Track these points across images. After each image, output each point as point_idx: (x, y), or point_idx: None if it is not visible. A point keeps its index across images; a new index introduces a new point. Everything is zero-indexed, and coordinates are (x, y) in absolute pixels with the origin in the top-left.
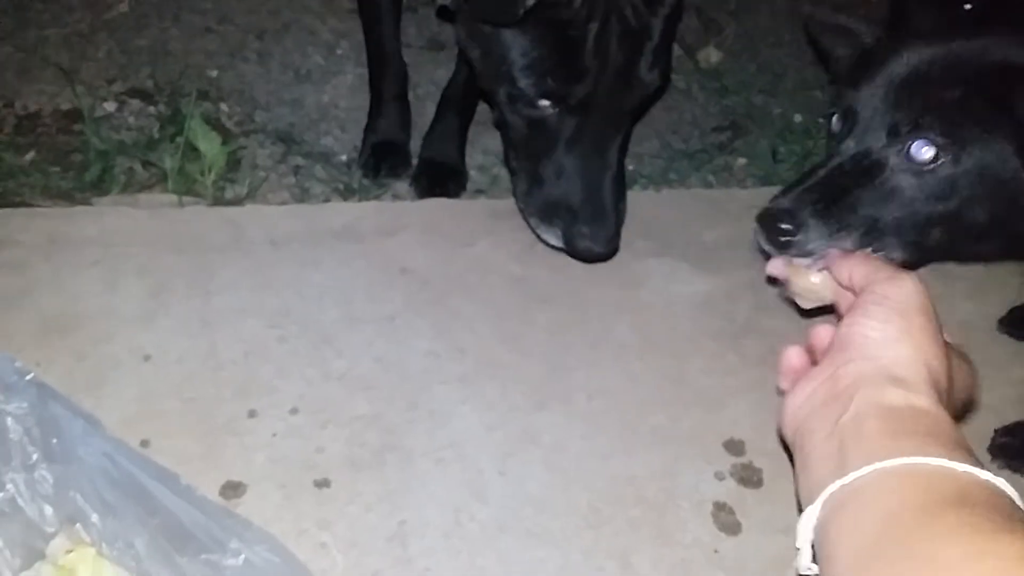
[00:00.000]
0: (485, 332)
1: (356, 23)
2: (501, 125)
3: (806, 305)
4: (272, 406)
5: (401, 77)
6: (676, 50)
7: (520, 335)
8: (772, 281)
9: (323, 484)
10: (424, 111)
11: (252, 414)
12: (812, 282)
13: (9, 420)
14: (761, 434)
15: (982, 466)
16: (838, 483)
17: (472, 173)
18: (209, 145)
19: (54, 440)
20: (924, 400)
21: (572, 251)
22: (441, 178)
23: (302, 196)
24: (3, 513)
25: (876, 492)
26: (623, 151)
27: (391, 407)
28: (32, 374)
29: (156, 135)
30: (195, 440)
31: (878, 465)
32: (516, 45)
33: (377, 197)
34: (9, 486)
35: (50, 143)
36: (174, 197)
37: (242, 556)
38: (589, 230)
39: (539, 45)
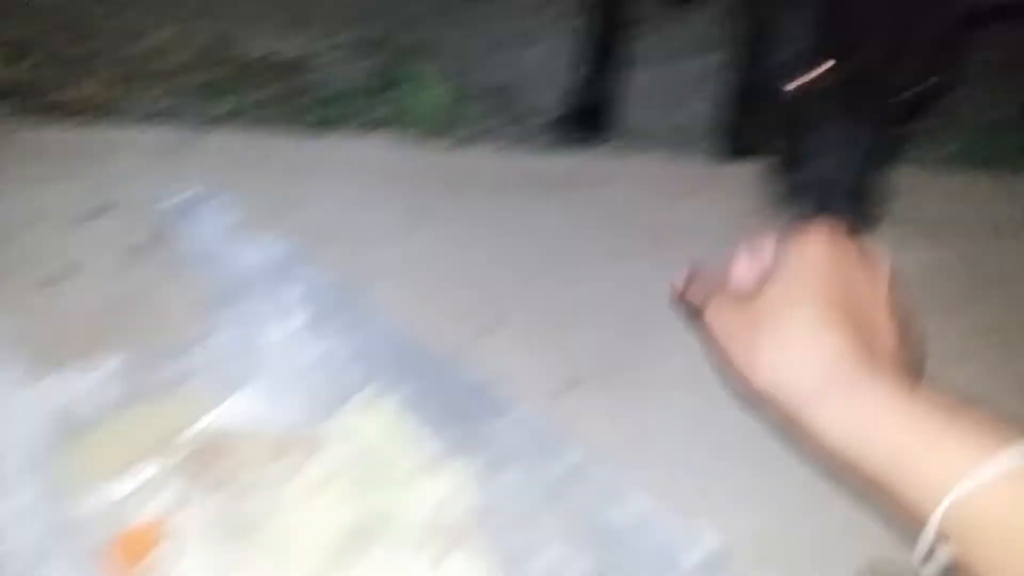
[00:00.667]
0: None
1: None
2: None
3: None
4: (521, 309)
5: (616, 45)
6: None
7: None
8: None
9: (575, 382)
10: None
11: (488, 331)
12: None
13: (322, 291)
14: None
15: None
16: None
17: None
18: (434, 95)
19: (353, 313)
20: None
21: None
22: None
23: (513, 149)
24: (314, 367)
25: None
26: None
27: (619, 336)
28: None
29: (376, 84)
30: (454, 335)
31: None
32: None
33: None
34: (323, 344)
35: (277, 87)
36: (389, 142)
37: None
38: None
39: None
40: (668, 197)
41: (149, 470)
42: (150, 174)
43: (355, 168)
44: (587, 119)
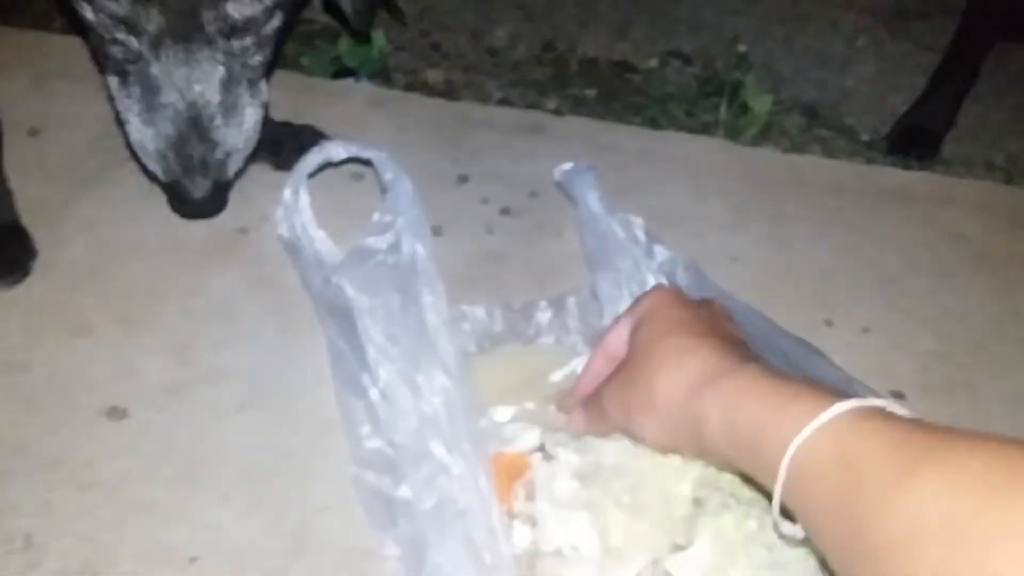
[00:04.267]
0: None
1: (875, 20)
2: None
3: None
4: (846, 320)
5: (967, 79)
6: None
7: None
8: None
9: (898, 396)
10: None
11: (828, 323)
12: None
13: (679, 268)
14: None
15: None
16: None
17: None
18: (760, 103)
19: (700, 289)
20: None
21: None
22: (915, 142)
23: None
24: None
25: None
26: None
27: (958, 348)
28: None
29: (697, 91)
30: None
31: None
32: None
33: None
34: None
35: (608, 85)
36: (720, 142)
37: None
38: None
39: None
40: (1006, 223)
41: (519, 406)
42: (507, 150)
43: (688, 164)
44: (917, 141)
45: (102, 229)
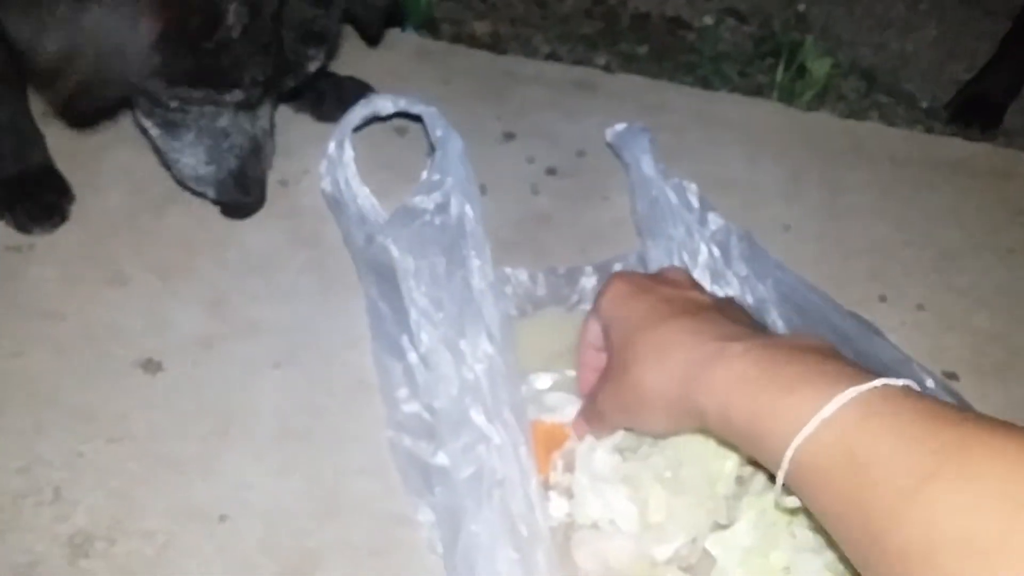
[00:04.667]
0: None
1: None
2: None
3: None
4: (900, 297)
5: None
6: None
7: None
8: None
9: (951, 376)
10: None
11: (883, 299)
12: None
13: (733, 237)
14: None
15: None
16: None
17: None
18: (818, 66)
19: (758, 263)
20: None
21: None
22: (978, 112)
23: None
24: None
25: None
26: None
27: (1013, 330)
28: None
29: (752, 51)
30: None
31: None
32: None
33: None
34: (726, 288)
35: (660, 41)
36: (775, 105)
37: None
38: None
39: None
40: None
41: (560, 374)
42: (554, 107)
43: (742, 127)
44: (980, 111)
45: (138, 177)
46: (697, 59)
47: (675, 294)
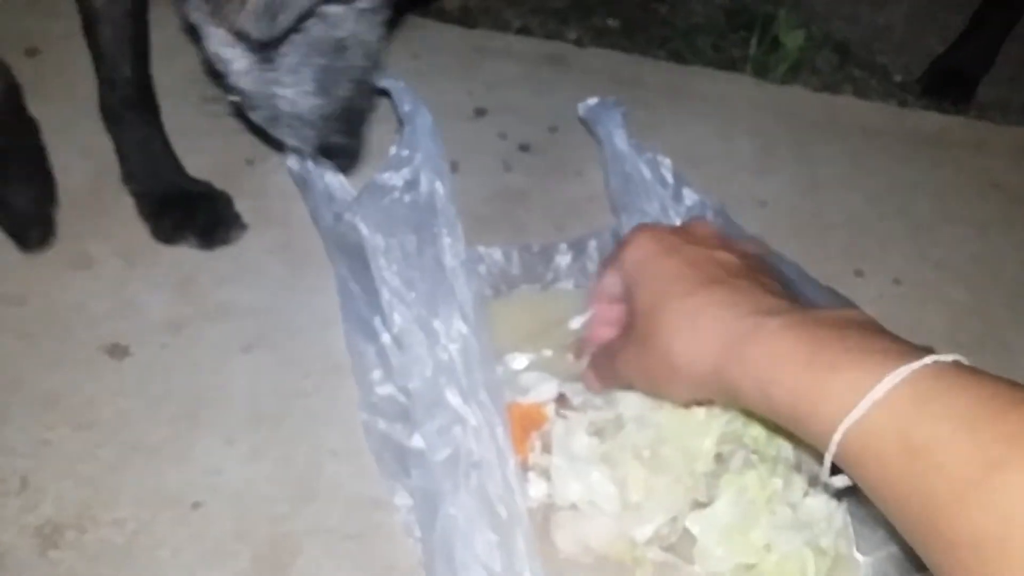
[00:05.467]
0: None
1: None
2: None
3: None
4: (876, 271)
5: (1010, 20)
6: None
7: None
8: None
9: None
10: None
11: (858, 273)
12: None
13: (708, 212)
14: None
15: None
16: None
17: None
18: (791, 39)
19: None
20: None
21: None
22: (951, 85)
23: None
24: None
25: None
26: None
27: (989, 302)
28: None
29: (724, 23)
30: None
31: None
32: None
33: None
34: None
35: (632, 15)
36: (749, 79)
37: None
38: None
39: None
40: None
41: (536, 354)
42: (526, 82)
43: (716, 101)
44: (953, 84)
45: (103, 156)
46: (670, 32)
47: (704, 256)
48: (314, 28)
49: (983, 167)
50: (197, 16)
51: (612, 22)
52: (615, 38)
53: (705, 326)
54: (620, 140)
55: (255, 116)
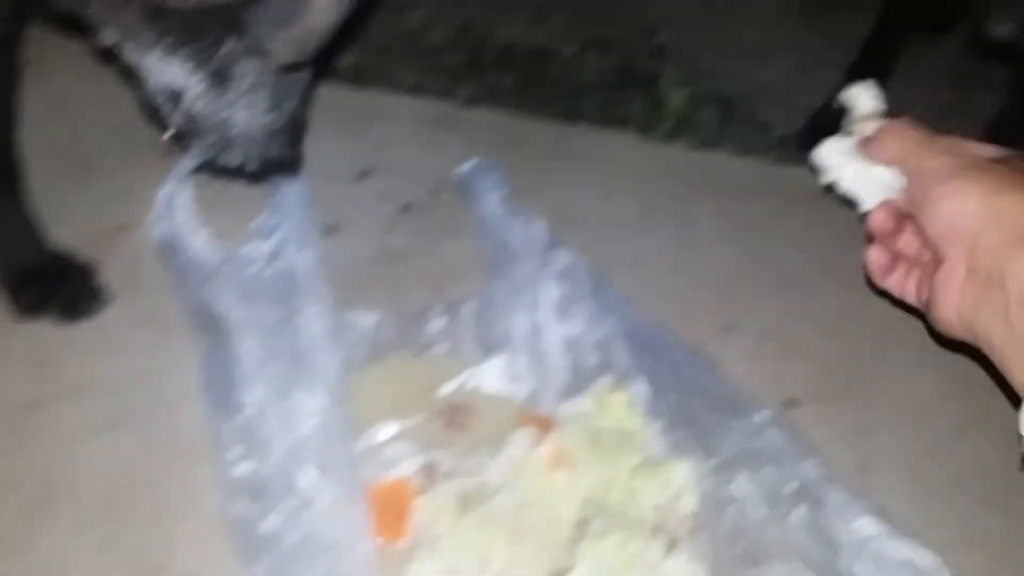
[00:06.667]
0: None
1: (796, 10)
2: None
3: (870, 204)
4: (745, 327)
5: (883, 76)
6: None
7: None
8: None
9: (793, 403)
10: None
11: (728, 329)
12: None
13: (579, 272)
14: None
15: None
16: None
17: None
18: (674, 98)
19: (603, 298)
20: None
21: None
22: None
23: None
24: (560, 347)
25: None
26: None
27: (854, 355)
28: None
29: (614, 82)
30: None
31: None
32: None
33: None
34: (571, 326)
35: (525, 74)
36: (634, 138)
37: (768, 427)
38: None
39: None
40: None
41: (405, 421)
42: (413, 143)
43: (600, 160)
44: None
45: None
46: (560, 90)
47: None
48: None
49: (852, 221)
50: (139, 55)
51: (505, 80)
52: (507, 96)
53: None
54: (493, 203)
55: (201, 144)
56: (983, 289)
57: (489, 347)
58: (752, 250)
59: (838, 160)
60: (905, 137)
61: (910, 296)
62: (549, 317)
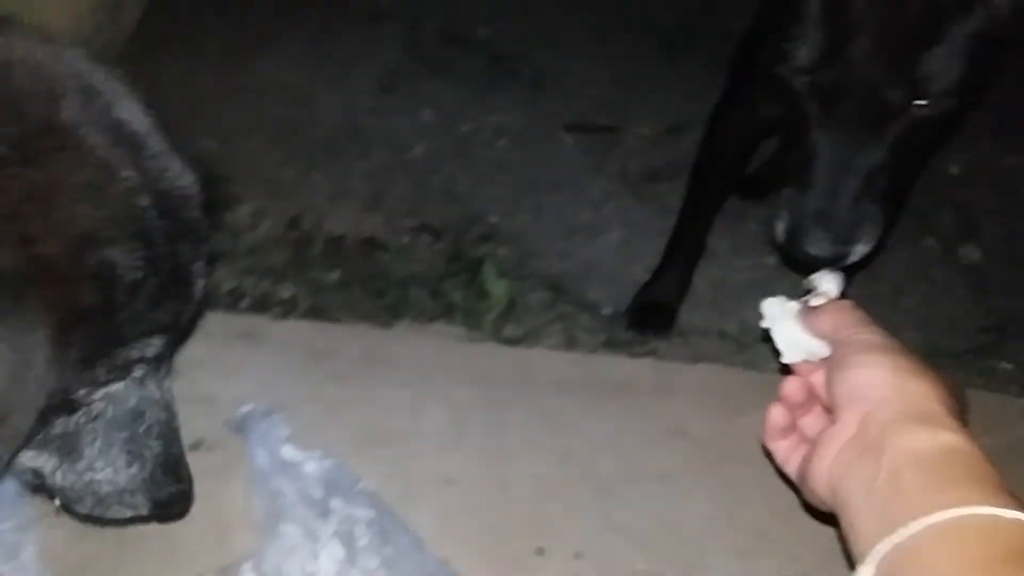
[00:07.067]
0: (760, 506)
1: (622, 186)
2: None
3: (789, 358)
4: (558, 547)
5: (696, 251)
6: (932, 243)
7: (794, 514)
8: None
9: None
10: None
11: (540, 552)
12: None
13: (358, 526)
14: None
15: None
16: (888, 542)
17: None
18: (497, 287)
19: (387, 549)
20: (952, 436)
21: (787, 247)
22: (652, 317)
23: (570, 342)
24: None
25: (931, 555)
26: (890, 171)
27: (670, 568)
28: (363, 483)
29: (443, 270)
30: (490, 569)
31: (927, 521)
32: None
33: (641, 354)
34: None
35: (353, 266)
36: (462, 330)
37: None
38: (808, 226)
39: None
40: (725, 413)
41: None
42: (215, 364)
43: (414, 366)
44: (653, 316)
45: None
46: (387, 283)
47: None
48: (107, 410)
49: (670, 414)
50: None
51: (331, 275)
52: (331, 294)
53: (905, 391)
54: (265, 455)
55: (82, 508)
56: (861, 454)
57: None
58: (565, 456)
59: (778, 313)
60: (842, 316)
61: (791, 467)
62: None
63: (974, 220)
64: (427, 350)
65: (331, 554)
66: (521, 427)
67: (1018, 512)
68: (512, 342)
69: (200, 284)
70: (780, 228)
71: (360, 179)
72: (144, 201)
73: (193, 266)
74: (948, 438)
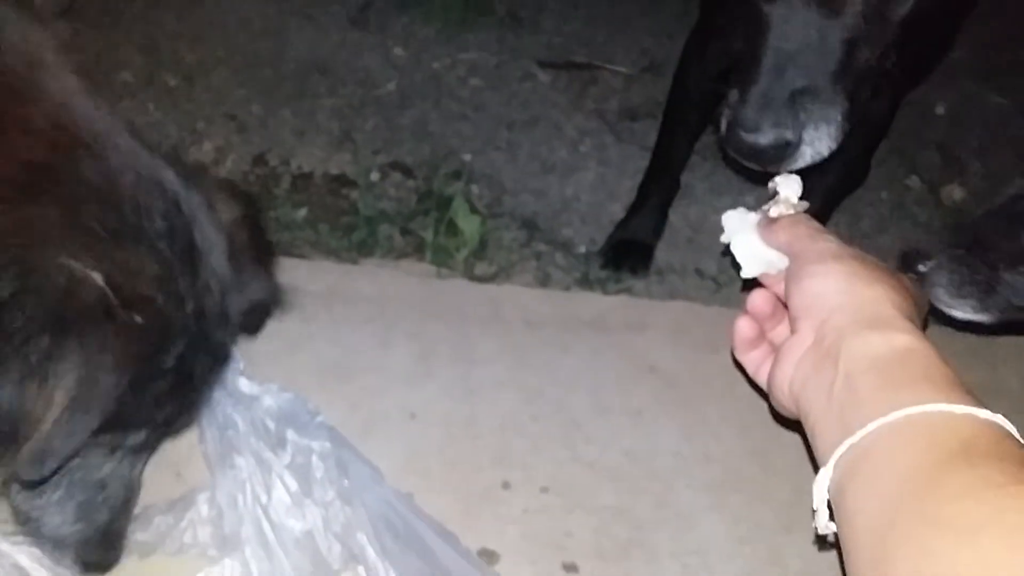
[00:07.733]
0: (731, 442)
1: (599, 123)
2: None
3: (748, 272)
4: (525, 481)
5: (671, 189)
6: (915, 182)
7: (766, 451)
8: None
9: (571, 568)
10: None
11: (506, 485)
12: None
13: (314, 458)
14: None
15: (979, 402)
16: (845, 444)
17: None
18: (468, 224)
19: (345, 482)
20: (905, 337)
21: (727, 143)
22: (628, 255)
23: (544, 280)
24: (298, 543)
25: (885, 453)
26: (851, 58)
27: (638, 502)
28: (322, 417)
29: (414, 207)
30: (455, 502)
31: (881, 421)
32: None
33: (615, 292)
34: (308, 519)
35: (321, 203)
36: (431, 267)
37: None
38: (748, 113)
39: None
40: (698, 350)
41: None
42: None
43: (380, 303)
44: (630, 255)
45: None
46: (356, 220)
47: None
48: (77, 470)
49: (641, 349)
50: None
51: (298, 213)
52: (298, 230)
53: (858, 297)
54: (222, 384)
55: (24, 530)
56: (818, 362)
57: (223, 546)
58: (535, 392)
59: (738, 227)
60: (798, 229)
61: (762, 377)
62: (280, 513)
63: (958, 160)
64: (395, 286)
65: (286, 485)
66: (489, 363)
67: (970, 407)
68: (484, 280)
69: (202, 401)
70: (723, 124)
71: (329, 115)
72: (189, 307)
73: (203, 384)
74: (901, 340)
